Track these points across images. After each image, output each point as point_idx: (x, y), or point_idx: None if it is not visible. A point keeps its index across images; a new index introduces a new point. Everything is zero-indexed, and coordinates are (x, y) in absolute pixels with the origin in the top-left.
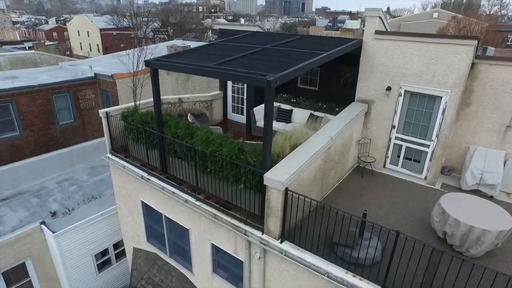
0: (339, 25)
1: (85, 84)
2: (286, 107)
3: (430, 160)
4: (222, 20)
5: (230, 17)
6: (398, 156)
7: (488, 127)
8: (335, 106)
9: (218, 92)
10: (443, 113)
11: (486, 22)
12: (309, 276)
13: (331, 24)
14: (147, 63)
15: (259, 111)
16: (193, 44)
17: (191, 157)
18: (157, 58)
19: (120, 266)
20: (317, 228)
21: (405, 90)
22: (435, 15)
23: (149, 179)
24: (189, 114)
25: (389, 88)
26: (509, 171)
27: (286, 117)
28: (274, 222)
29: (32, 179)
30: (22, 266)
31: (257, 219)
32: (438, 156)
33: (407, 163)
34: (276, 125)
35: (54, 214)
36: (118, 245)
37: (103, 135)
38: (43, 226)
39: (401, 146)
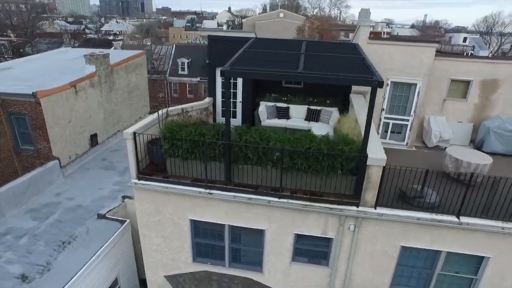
0: (197, 25)
1: None
2: (283, 105)
3: (410, 130)
4: (61, 22)
5: (70, 19)
6: (386, 131)
7: (433, 101)
8: (324, 99)
9: (209, 99)
10: (417, 95)
11: (321, 22)
12: (402, 227)
13: (189, 24)
14: (224, 72)
15: (262, 112)
16: (118, 52)
17: (273, 159)
18: (234, 68)
19: None
20: (392, 190)
21: (391, 81)
22: (281, 15)
23: (211, 193)
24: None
25: None
26: None
27: (284, 114)
28: (371, 194)
29: None
30: None
31: (350, 197)
32: (415, 126)
33: (393, 135)
34: (280, 121)
35: (24, 277)
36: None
37: (17, 174)
38: None
39: (388, 123)
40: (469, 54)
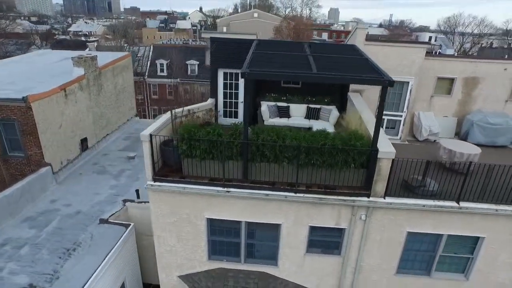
0: (171, 25)
1: None
2: (283, 104)
3: (403, 125)
4: (25, 22)
5: (34, 18)
6: (381, 127)
7: (422, 98)
8: (322, 98)
9: (211, 100)
10: (410, 92)
11: (296, 22)
12: (407, 214)
13: (163, 25)
14: (244, 74)
15: (265, 111)
16: (102, 54)
17: (289, 156)
18: (253, 70)
19: None
20: (396, 180)
21: None
22: (255, 15)
23: (229, 191)
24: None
25: None
26: None
27: (285, 113)
28: (381, 185)
29: None
30: None
31: (362, 189)
32: (407, 121)
33: (387, 130)
34: (281, 120)
35: (33, 287)
36: None
37: (4, 183)
38: None
39: (383, 119)
40: (438, 53)
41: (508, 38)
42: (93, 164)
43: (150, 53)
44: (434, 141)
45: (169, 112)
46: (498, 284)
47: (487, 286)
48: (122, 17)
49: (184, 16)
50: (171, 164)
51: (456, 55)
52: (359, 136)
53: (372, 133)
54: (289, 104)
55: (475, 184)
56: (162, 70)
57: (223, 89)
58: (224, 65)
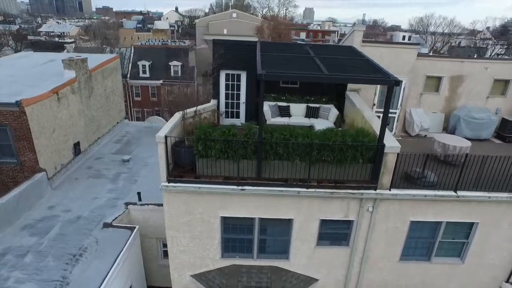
0: (148, 26)
1: None
2: (283, 104)
3: (397, 121)
4: None
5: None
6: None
7: (412, 95)
8: (320, 97)
9: (214, 101)
10: (403, 90)
11: (276, 22)
12: (411, 203)
13: (140, 25)
14: (261, 76)
15: (267, 111)
16: (89, 56)
17: (301, 153)
18: (269, 71)
19: None
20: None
21: None
22: (234, 15)
23: (244, 189)
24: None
25: None
26: None
27: (285, 112)
28: (387, 177)
29: None
30: None
31: (369, 182)
32: (401, 118)
33: None
34: (283, 119)
35: None
36: None
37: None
38: None
39: (379, 116)
40: None
41: (475, 38)
42: (88, 168)
43: (132, 54)
44: (425, 136)
45: (178, 113)
46: (489, 265)
47: (480, 267)
48: (95, 17)
49: (159, 16)
50: (183, 164)
51: (431, 54)
52: (366, 132)
53: (375, 129)
54: (289, 104)
55: (470, 174)
56: (144, 72)
57: (226, 90)
58: (226, 67)
